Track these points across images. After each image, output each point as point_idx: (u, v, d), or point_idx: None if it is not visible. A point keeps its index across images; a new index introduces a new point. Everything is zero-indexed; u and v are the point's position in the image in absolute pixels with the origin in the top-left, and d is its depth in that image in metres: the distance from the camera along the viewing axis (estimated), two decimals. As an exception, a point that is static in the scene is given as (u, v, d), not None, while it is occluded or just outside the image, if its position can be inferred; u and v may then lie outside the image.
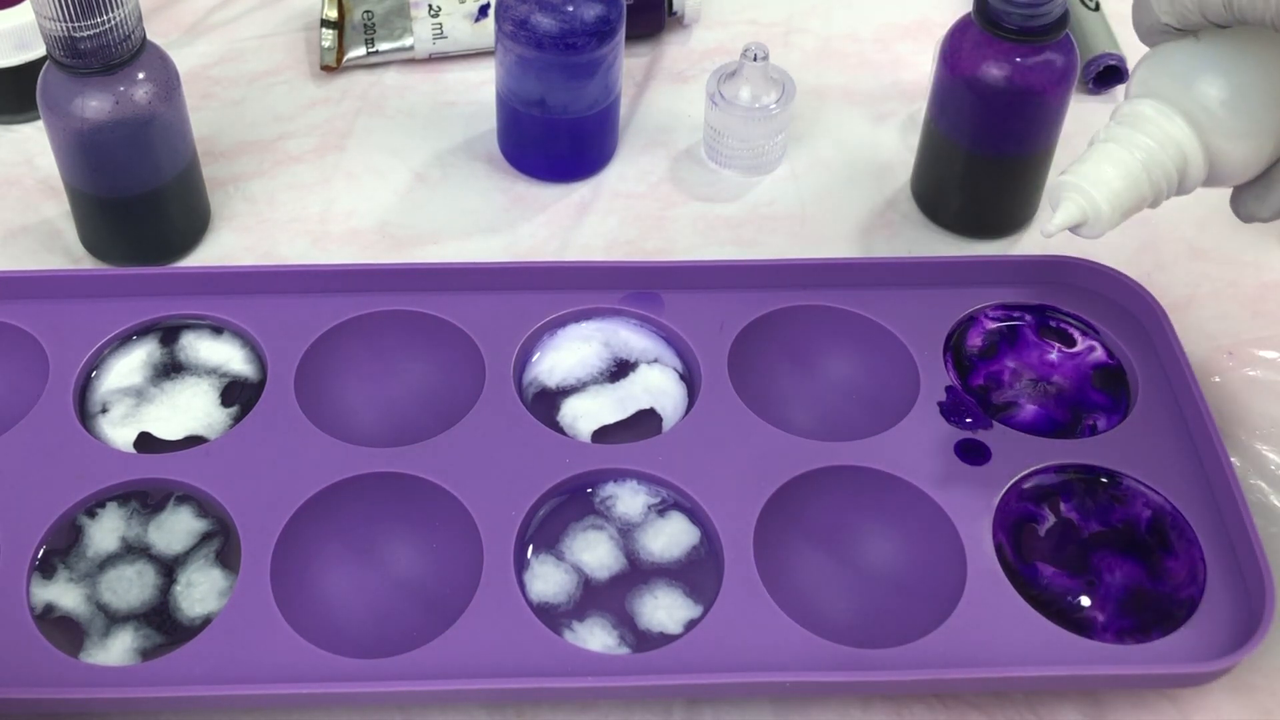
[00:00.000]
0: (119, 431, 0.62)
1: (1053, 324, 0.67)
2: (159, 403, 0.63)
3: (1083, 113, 0.80)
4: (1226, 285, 0.72)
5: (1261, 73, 0.53)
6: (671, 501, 0.60)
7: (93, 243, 0.71)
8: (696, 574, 0.58)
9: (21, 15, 0.74)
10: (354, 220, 0.74)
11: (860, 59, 0.84)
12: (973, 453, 0.61)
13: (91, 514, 0.59)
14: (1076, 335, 0.66)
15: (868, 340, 0.66)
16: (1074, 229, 0.56)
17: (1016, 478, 0.60)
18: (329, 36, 0.82)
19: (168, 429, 0.63)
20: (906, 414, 0.63)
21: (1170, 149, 0.54)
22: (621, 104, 0.77)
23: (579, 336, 0.66)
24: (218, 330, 0.66)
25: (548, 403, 0.64)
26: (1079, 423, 0.63)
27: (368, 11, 0.83)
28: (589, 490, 0.60)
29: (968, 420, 0.63)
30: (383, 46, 0.82)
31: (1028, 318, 0.67)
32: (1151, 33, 0.54)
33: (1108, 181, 0.55)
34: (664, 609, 0.57)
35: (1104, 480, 0.61)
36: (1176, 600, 0.57)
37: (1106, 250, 0.71)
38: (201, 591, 0.57)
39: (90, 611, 0.57)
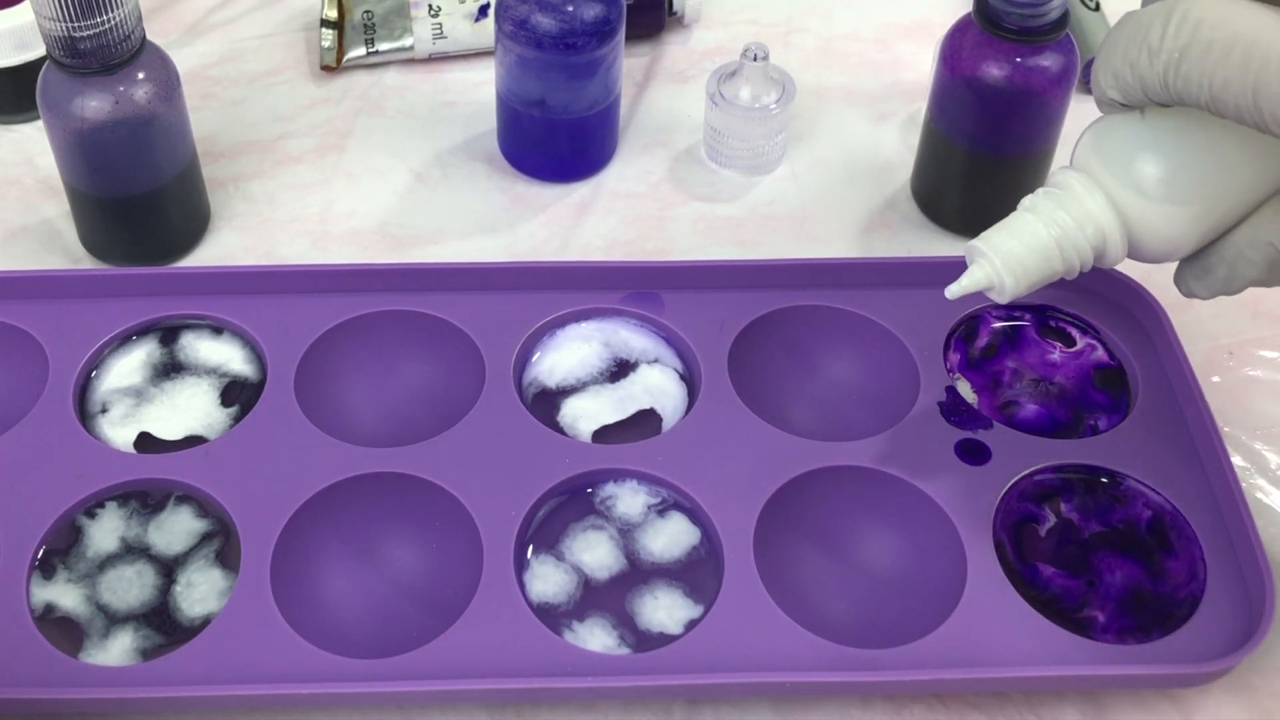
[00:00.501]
0: (119, 431, 0.62)
1: (1053, 324, 0.67)
2: (159, 403, 0.63)
3: (1083, 113, 0.79)
4: (1227, 285, 0.72)
5: (1198, 153, 0.53)
6: (671, 501, 0.60)
7: (93, 243, 0.71)
8: (696, 574, 0.58)
9: (21, 15, 0.74)
10: (354, 220, 0.74)
11: (860, 59, 0.84)
12: (973, 453, 0.61)
13: (91, 514, 0.59)
14: (1076, 335, 0.66)
15: (868, 340, 0.66)
16: (984, 290, 0.57)
17: (1016, 478, 0.60)
18: (329, 36, 0.82)
19: (168, 429, 0.63)
20: (906, 414, 0.63)
21: (1089, 228, 0.55)
22: (621, 104, 0.77)
23: (579, 336, 0.66)
24: (218, 330, 0.66)
25: (548, 403, 0.64)
26: (1079, 423, 0.63)
27: (368, 11, 0.83)
28: (589, 490, 0.60)
29: (968, 420, 0.63)
30: (383, 46, 0.82)
31: (1028, 318, 0.67)
32: (1101, 103, 0.54)
33: (1018, 256, 0.55)
34: (664, 609, 0.57)
35: (1104, 480, 0.61)
36: (1176, 600, 0.57)
37: (1106, 250, 0.71)
38: (201, 592, 0.57)
39: (90, 612, 0.57)
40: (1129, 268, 0.68)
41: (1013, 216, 0.56)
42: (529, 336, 0.65)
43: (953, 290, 0.57)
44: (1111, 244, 0.55)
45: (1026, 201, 0.56)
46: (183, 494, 0.60)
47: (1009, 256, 0.55)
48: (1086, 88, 0.81)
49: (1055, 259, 0.55)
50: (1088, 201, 0.55)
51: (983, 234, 0.57)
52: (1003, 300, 0.56)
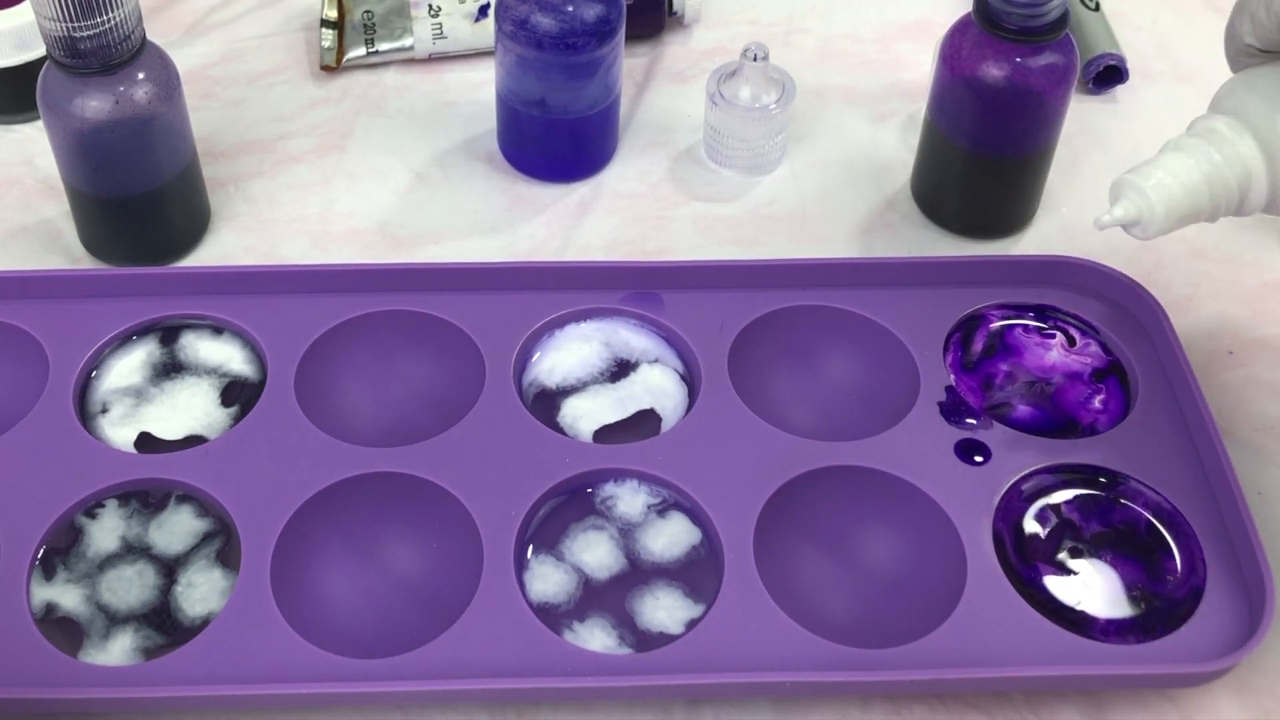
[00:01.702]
0: (119, 431, 0.62)
1: (1053, 324, 0.67)
2: (159, 403, 0.63)
3: (1083, 113, 0.80)
4: (1226, 285, 0.72)
5: None
6: (671, 501, 0.60)
7: (93, 243, 0.71)
8: (696, 574, 0.58)
9: (21, 15, 0.74)
10: (354, 220, 0.74)
11: (860, 59, 0.84)
12: (973, 453, 0.61)
13: (91, 514, 0.59)
14: (1076, 335, 0.66)
15: (868, 340, 0.66)
16: (1126, 227, 0.57)
17: (1016, 478, 0.60)
18: (329, 36, 0.82)
19: (168, 429, 0.63)
20: (906, 414, 0.63)
21: (1236, 167, 0.56)
22: (621, 104, 0.77)
23: (579, 336, 0.66)
24: (218, 330, 0.66)
25: (548, 403, 0.64)
26: (1079, 423, 0.63)
27: (368, 11, 0.83)
28: (589, 490, 0.60)
29: (968, 420, 0.63)
30: (383, 46, 0.82)
31: (1028, 318, 0.67)
32: (1239, 55, 0.55)
33: (1167, 187, 0.56)
34: (664, 609, 0.57)
35: (1104, 480, 0.61)
36: (1176, 600, 0.57)
37: (1106, 250, 0.71)
38: (202, 591, 0.57)
39: (90, 612, 0.56)
40: (1129, 268, 0.69)
41: (1160, 153, 0.57)
42: (529, 336, 0.65)
43: (1103, 220, 0.57)
44: (1256, 187, 0.55)
45: (1173, 141, 0.57)
46: (183, 494, 0.60)
47: (1160, 189, 0.56)
48: (1086, 88, 0.81)
49: (1204, 196, 0.56)
50: (1236, 142, 0.55)
51: (1131, 168, 0.57)
52: (1147, 236, 0.56)
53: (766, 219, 0.75)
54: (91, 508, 0.59)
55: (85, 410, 0.63)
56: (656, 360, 0.65)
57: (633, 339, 0.66)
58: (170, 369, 0.65)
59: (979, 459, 0.61)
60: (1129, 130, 0.80)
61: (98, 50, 0.63)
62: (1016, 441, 0.62)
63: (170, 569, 0.58)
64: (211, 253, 0.72)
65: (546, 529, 0.59)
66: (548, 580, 0.58)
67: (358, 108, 0.80)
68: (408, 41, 0.82)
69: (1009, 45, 0.67)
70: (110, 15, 0.62)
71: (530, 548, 0.59)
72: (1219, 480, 0.60)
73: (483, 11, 0.81)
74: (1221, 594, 0.57)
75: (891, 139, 0.79)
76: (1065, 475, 0.61)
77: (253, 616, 0.56)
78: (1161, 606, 0.57)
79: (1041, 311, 0.67)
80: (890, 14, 0.87)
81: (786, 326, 0.66)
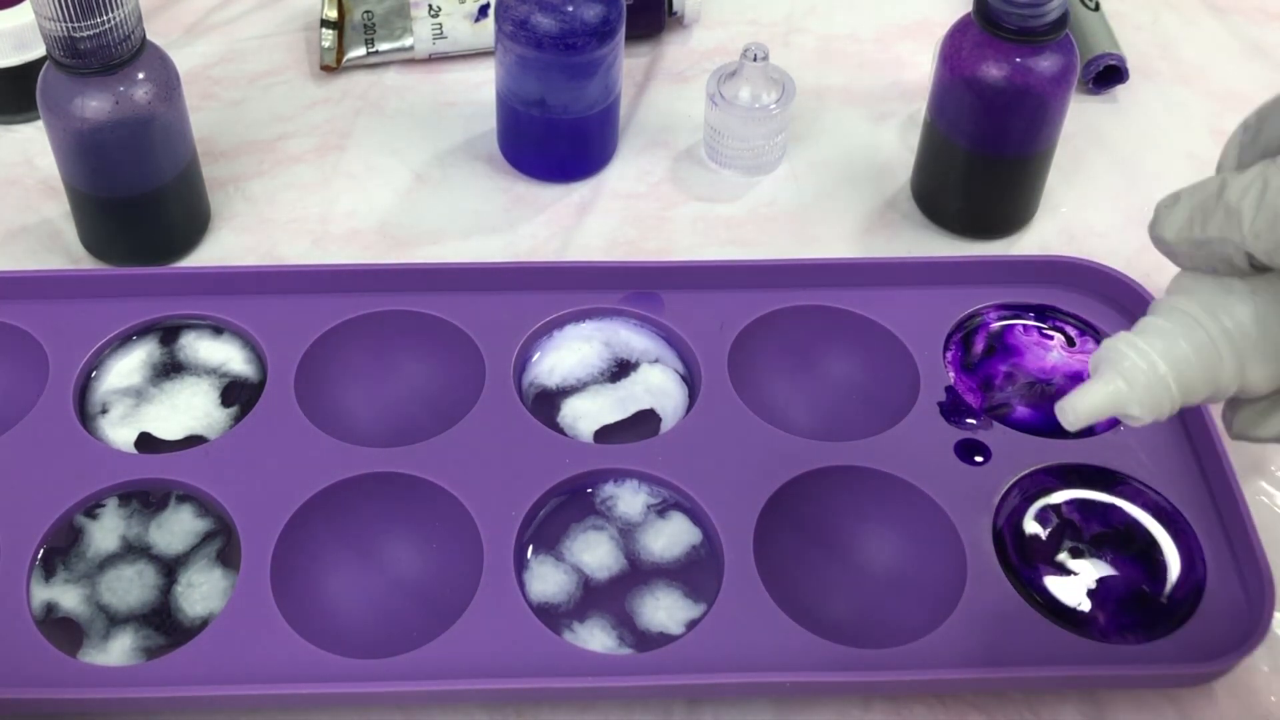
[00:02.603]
0: (119, 431, 0.62)
1: (1053, 324, 0.67)
2: (159, 403, 0.63)
3: (1083, 113, 0.80)
4: (1226, 285, 0.71)
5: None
6: (671, 501, 0.60)
7: (93, 243, 0.71)
8: (696, 574, 0.58)
9: (21, 15, 0.74)
10: (354, 220, 0.74)
11: (860, 59, 0.84)
12: (973, 453, 0.61)
13: (91, 514, 0.59)
14: (1076, 335, 0.66)
15: (868, 340, 0.66)
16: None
17: (1016, 478, 0.60)
18: (329, 36, 0.82)
19: (168, 429, 0.63)
20: (906, 414, 0.63)
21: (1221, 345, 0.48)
22: (621, 104, 0.77)
23: (579, 336, 0.66)
24: (218, 330, 0.66)
25: (548, 403, 0.64)
26: (1079, 423, 0.63)
27: (368, 11, 0.83)
28: (589, 490, 0.60)
29: (968, 420, 0.63)
30: (383, 46, 0.82)
31: (1028, 318, 0.67)
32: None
33: (1182, 356, 0.47)
34: (664, 609, 0.57)
35: (1104, 480, 0.61)
36: (1176, 600, 0.57)
37: (1106, 250, 0.71)
38: (202, 592, 0.57)
39: (90, 612, 0.56)
40: (1129, 268, 0.69)
41: (1149, 319, 0.48)
42: (529, 336, 0.65)
43: (1078, 411, 0.48)
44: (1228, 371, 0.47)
45: (1156, 307, 0.49)
46: (183, 494, 0.60)
47: (1175, 359, 0.47)
48: (1086, 88, 0.81)
49: (1221, 361, 0.47)
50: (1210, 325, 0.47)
51: (1119, 335, 0.48)
52: (1140, 422, 0.48)
53: (766, 219, 0.75)
54: (91, 508, 0.59)
55: (85, 410, 0.63)
56: (656, 360, 0.65)
57: (633, 339, 0.66)
58: (170, 369, 0.65)
59: (979, 459, 0.61)
60: (1129, 130, 0.80)
61: (98, 50, 0.63)
62: (1016, 441, 0.62)
63: (170, 569, 0.58)
64: (211, 253, 0.72)
65: (546, 529, 0.59)
66: (548, 580, 0.58)
67: (358, 108, 0.80)
68: (408, 41, 0.82)
69: (1009, 45, 0.67)
70: (110, 15, 0.62)
71: (530, 548, 0.59)
72: (1219, 480, 0.60)
73: (483, 11, 0.81)
74: (1221, 594, 0.57)
75: (891, 139, 0.79)
76: (1065, 475, 0.61)
77: (253, 616, 0.56)
78: (1161, 607, 0.57)
79: (1041, 311, 0.67)
80: (890, 14, 0.87)
81: (786, 326, 0.66)
